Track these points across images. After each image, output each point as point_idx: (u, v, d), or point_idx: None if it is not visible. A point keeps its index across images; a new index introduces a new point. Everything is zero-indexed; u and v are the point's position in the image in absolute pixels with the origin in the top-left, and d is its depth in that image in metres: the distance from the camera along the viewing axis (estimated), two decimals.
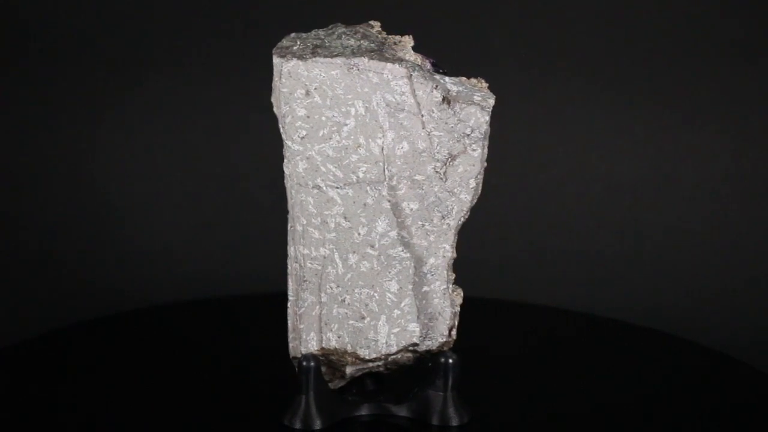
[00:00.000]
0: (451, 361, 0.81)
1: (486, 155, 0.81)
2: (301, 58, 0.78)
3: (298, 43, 0.80)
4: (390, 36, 0.82)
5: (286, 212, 0.82)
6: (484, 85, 0.81)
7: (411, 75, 0.78)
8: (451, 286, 0.82)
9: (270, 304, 0.96)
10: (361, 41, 0.80)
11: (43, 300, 1.25)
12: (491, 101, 0.80)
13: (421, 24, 1.30)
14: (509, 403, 0.88)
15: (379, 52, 0.79)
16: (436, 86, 0.79)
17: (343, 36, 0.80)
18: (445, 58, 0.84)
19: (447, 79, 0.80)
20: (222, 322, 1.03)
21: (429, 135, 0.79)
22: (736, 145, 1.33)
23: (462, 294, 0.83)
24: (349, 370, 0.83)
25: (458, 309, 0.83)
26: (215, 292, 1.22)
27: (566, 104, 1.34)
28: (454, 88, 0.80)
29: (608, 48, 1.34)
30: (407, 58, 0.80)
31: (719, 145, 1.33)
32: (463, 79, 0.81)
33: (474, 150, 0.80)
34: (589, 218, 1.33)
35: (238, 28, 1.34)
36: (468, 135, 0.79)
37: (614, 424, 0.85)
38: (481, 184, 0.82)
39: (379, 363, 0.83)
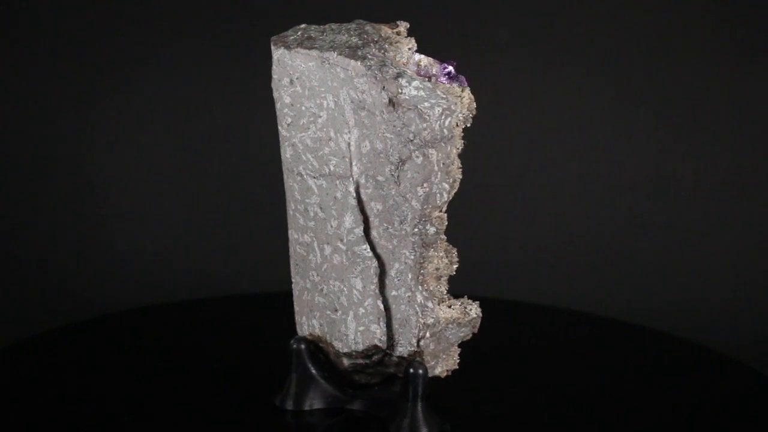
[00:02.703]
0: (420, 371, 0.80)
1: (440, 165, 0.77)
2: (288, 47, 0.78)
3: (299, 33, 0.80)
4: (392, 35, 0.79)
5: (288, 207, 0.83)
6: (466, 95, 0.77)
7: (365, 74, 0.76)
8: (422, 295, 0.79)
9: (270, 304, 0.95)
10: (352, 38, 0.78)
11: (41, 301, 1.25)
12: (438, 110, 0.75)
13: (421, 24, 1.30)
14: (509, 402, 0.88)
15: (353, 49, 0.77)
16: (383, 87, 0.76)
17: (344, 31, 0.79)
18: (445, 57, 0.84)
19: (416, 82, 0.76)
20: (221, 321, 1.03)
21: (383, 136, 0.77)
22: (737, 144, 1.33)
23: (475, 312, 0.81)
24: (346, 362, 0.83)
25: (436, 322, 0.79)
26: (215, 292, 1.22)
27: (566, 103, 1.34)
28: (412, 93, 0.76)
29: (608, 47, 1.33)
30: (398, 59, 0.78)
31: (719, 145, 1.33)
32: (443, 86, 0.77)
33: (417, 157, 0.76)
34: (589, 218, 1.33)
35: (238, 28, 1.33)
36: (411, 141, 0.76)
37: (614, 424, 0.85)
38: (441, 195, 0.78)
39: (366, 360, 0.82)
